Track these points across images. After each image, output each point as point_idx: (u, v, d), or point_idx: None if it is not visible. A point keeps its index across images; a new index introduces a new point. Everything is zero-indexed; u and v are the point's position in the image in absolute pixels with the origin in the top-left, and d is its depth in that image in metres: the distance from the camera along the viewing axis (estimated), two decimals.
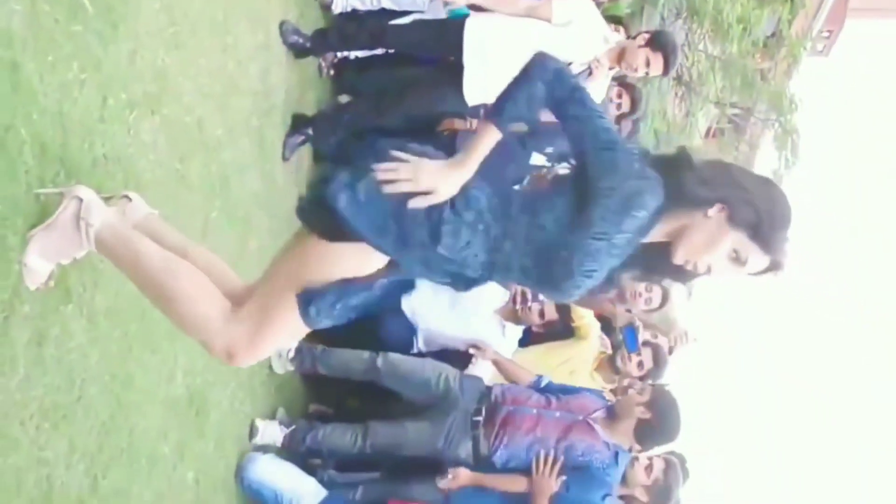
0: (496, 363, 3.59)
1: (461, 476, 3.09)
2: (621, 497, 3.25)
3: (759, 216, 1.58)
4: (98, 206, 1.78)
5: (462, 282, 1.69)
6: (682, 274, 1.68)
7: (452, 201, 1.59)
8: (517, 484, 3.06)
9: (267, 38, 3.33)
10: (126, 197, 1.95)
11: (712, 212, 1.59)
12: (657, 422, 3.12)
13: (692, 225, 1.61)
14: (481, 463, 3.13)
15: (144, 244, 1.76)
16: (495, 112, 1.56)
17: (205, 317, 1.69)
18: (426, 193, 1.56)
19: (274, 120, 3.42)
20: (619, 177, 1.53)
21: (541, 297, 3.71)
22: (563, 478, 3.03)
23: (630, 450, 3.17)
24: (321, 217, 1.60)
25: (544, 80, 1.52)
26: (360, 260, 1.63)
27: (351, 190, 1.56)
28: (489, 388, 3.32)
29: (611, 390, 3.86)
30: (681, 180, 1.58)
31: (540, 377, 3.45)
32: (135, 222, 1.90)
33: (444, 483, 3.08)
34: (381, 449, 3.20)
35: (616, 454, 3.10)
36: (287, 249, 1.75)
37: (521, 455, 3.10)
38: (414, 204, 1.56)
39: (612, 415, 3.19)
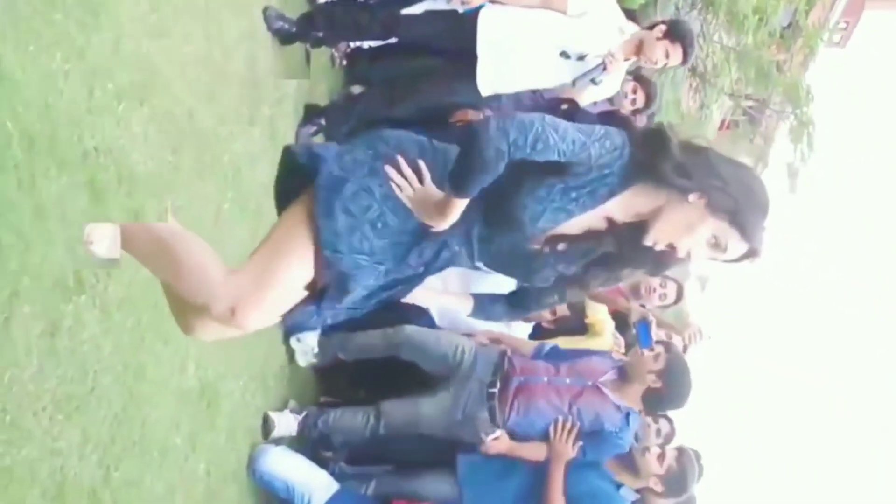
0: (494, 341, 3.52)
1: (502, 441, 3.11)
2: (637, 490, 3.24)
3: (737, 205, 1.60)
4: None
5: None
6: (662, 259, 1.68)
7: None
8: (538, 451, 3.11)
9: (251, 24, 3.27)
10: None
11: (692, 198, 1.60)
12: (666, 390, 3.16)
13: (669, 206, 1.62)
14: None
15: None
16: (462, 191, 1.58)
17: (208, 278, 1.67)
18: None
19: (286, 110, 3.40)
20: (593, 159, 1.59)
21: None
22: (580, 444, 3.07)
23: (640, 412, 3.22)
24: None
25: (504, 160, 1.54)
26: None
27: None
28: (502, 358, 3.30)
29: None
30: (657, 166, 1.60)
31: (542, 344, 3.44)
32: None
33: (488, 439, 3.09)
34: (396, 428, 3.18)
35: (627, 415, 3.15)
36: (288, 209, 1.77)
37: (537, 424, 3.14)
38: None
39: (623, 376, 3.23)
